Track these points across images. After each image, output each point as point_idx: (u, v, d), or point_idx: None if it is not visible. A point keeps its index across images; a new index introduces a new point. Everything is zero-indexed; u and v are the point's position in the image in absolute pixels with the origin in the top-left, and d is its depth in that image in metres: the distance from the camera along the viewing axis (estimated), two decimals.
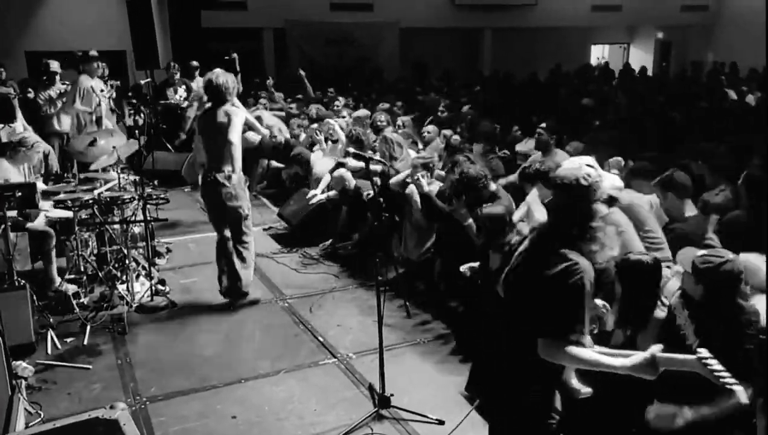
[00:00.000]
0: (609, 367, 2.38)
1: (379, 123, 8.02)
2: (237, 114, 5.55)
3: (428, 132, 8.21)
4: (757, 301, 3.34)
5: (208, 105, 5.67)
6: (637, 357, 2.33)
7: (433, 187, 5.79)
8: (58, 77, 9.16)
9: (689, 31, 21.91)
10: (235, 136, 5.47)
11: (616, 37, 23.35)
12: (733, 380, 2.14)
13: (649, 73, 18.85)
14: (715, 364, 2.17)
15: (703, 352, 2.21)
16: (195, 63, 11.41)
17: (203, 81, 5.80)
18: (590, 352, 2.41)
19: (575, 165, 2.60)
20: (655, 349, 2.32)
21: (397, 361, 4.76)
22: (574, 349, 2.39)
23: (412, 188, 5.88)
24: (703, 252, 3.27)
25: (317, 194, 7.51)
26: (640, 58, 22.25)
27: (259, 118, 7.76)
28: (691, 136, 7.98)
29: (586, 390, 2.60)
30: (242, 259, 5.80)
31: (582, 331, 2.42)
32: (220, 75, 5.54)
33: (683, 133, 8.16)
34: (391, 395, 4.11)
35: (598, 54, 23.55)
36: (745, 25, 18.43)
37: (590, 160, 2.66)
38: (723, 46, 20.18)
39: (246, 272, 5.85)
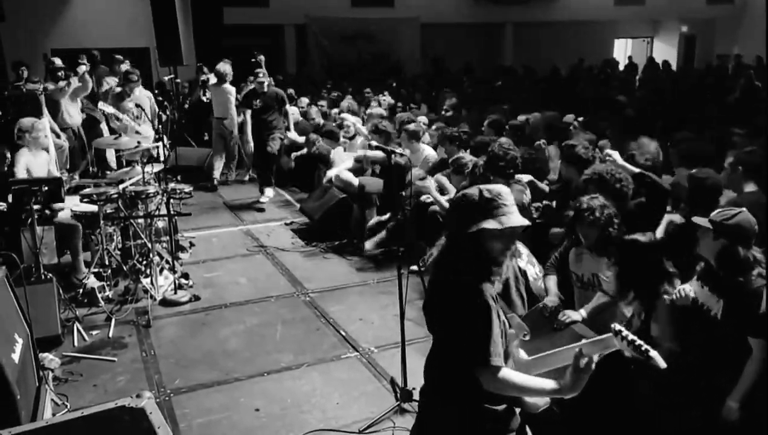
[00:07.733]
0: (543, 391, 2.29)
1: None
2: None
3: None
4: None
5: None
6: (566, 377, 2.23)
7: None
8: (60, 73, 9.07)
9: (714, 24, 21.56)
10: None
11: (640, 31, 23.05)
12: (648, 347, 2.04)
13: (673, 67, 18.58)
14: (630, 335, 2.08)
15: (617, 326, 2.12)
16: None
17: None
18: (524, 376, 2.31)
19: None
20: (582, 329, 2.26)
21: (419, 355, 4.68)
22: (507, 373, 2.29)
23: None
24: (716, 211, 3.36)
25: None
26: (664, 52, 21.95)
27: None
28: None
29: (543, 401, 2.48)
30: None
31: (499, 353, 2.29)
32: None
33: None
34: (413, 389, 4.08)
35: (621, 48, 23.28)
36: None
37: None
38: (749, 39, 19.81)
39: None
